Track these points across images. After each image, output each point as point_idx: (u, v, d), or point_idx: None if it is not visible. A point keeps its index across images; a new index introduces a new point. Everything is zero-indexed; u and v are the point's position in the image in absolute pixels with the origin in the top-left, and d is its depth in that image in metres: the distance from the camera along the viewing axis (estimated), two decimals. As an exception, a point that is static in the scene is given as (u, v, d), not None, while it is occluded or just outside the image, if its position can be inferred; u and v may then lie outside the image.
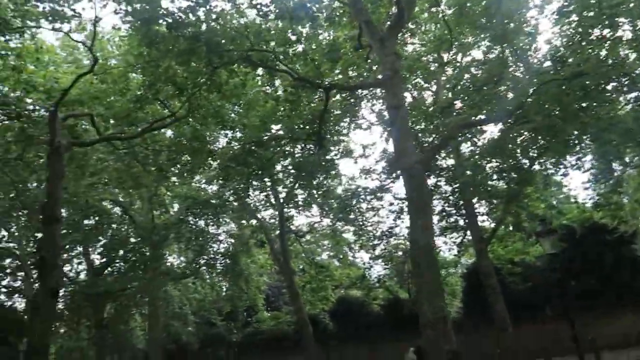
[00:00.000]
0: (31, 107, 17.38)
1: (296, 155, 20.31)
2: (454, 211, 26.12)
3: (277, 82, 15.47)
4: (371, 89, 20.19)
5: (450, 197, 25.90)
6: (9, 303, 37.62)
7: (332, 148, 21.34)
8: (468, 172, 23.84)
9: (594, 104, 14.49)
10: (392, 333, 27.54)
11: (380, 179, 24.52)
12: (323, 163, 20.94)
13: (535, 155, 17.76)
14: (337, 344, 29.48)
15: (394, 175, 23.98)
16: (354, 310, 30.19)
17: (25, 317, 35.63)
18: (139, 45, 14.44)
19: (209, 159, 18.67)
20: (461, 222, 26.34)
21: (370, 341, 27.95)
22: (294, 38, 13.17)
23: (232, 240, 31.33)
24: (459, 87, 19.59)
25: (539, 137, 13.82)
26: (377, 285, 30.46)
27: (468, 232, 26.16)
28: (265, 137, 17.42)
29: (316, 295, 31.66)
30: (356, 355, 28.08)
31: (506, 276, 25.76)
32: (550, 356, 21.52)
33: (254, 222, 29.00)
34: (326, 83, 13.20)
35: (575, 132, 16.51)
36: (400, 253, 28.39)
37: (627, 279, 23.47)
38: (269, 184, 25.82)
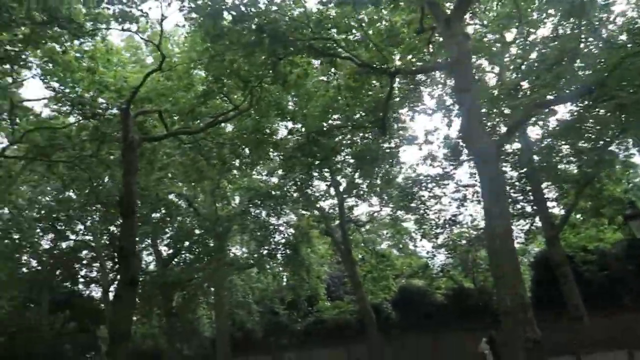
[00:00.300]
0: (104, 106, 18.22)
1: (357, 144, 20.13)
2: (521, 197, 25.17)
3: (337, 71, 15.34)
4: (431, 73, 19.65)
5: (517, 183, 24.97)
6: (87, 292, 40.11)
7: (394, 135, 20.99)
8: (535, 157, 22.91)
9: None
10: (456, 323, 27.03)
11: (442, 165, 23.99)
12: (386, 151, 20.67)
13: (615, 134, 16.63)
14: (400, 333, 29.27)
15: (457, 161, 23.39)
16: (417, 300, 29.82)
17: (102, 305, 37.87)
18: (203, 41, 14.78)
19: (272, 150, 18.90)
20: (528, 209, 25.38)
21: (433, 330, 27.56)
22: (354, 24, 12.98)
23: (292, 231, 31.72)
24: (525, 67, 18.70)
25: (622, 115, 12.86)
26: (441, 274, 29.92)
27: (536, 219, 25.17)
28: (328, 127, 17.37)
29: (377, 285, 31.52)
30: (419, 344, 27.74)
31: (580, 264, 24.52)
32: (630, 347, 20.40)
33: (314, 212, 29.15)
34: (391, 68, 12.93)
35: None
36: (464, 242, 27.69)
37: None
38: (328, 174, 25.90)
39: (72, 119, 20.03)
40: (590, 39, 16.93)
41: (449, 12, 12.31)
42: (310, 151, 17.36)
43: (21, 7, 12.72)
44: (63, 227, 31.21)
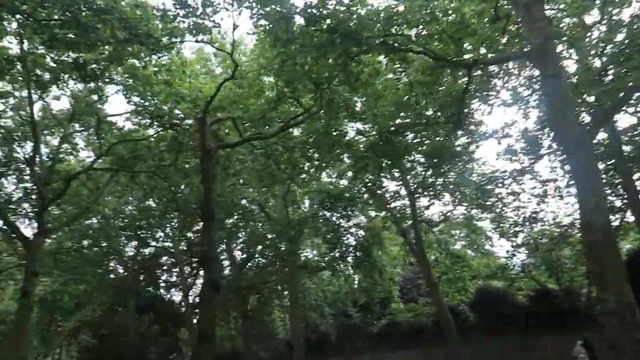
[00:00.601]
0: (180, 116, 18.95)
1: (429, 142, 19.55)
2: (609, 191, 23.44)
3: (408, 67, 14.99)
4: (504, 65, 18.76)
5: (604, 176, 23.29)
6: (168, 297, 41.99)
7: (469, 131, 20.26)
8: (625, 147, 21.29)
9: None
10: (540, 325, 25.64)
11: (520, 160, 22.79)
12: (457, 149, 20.00)
13: None
14: (479, 336, 28.17)
15: (536, 155, 22.16)
16: (496, 302, 28.56)
17: (182, 309, 39.49)
18: (273, 47, 14.99)
19: (344, 151, 18.84)
20: (618, 203, 23.62)
21: (515, 333, 26.29)
22: (426, 18, 12.59)
23: (363, 233, 31.48)
24: (610, 50, 17.35)
25: None
26: (522, 275, 28.47)
27: (627, 214, 23.38)
28: (401, 125, 17.02)
29: (453, 286, 30.56)
30: (500, 347, 26.56)
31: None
32: None
33: (385, 213, 28.77)
34: (468, 60, 12.42)
35: None
36: (546, 240, 26.18)
37: None
38: (398, 174, 25.47)
39: (151, 131, 21.04)
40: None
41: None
42: (383, 150, 17.08)
43: (106, 27, 13.47)
44: (145, 235, 32.84)
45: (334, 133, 19.22)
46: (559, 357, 23.19)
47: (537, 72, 20.05)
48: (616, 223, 24.69)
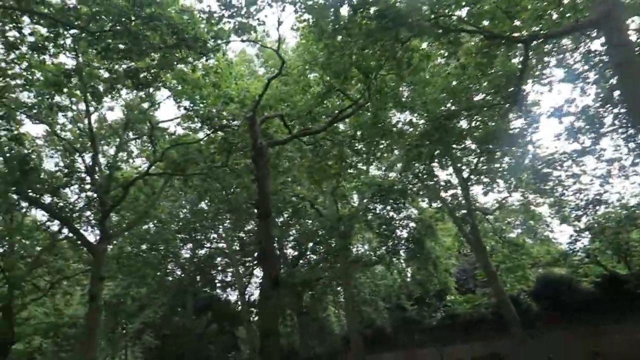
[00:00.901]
0: (230, 117, 19.16)
1: (484, 126, 18.78)
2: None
3: (460, 49, 14.47)
4: (565, 38, 17.72)
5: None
6: (224, 296, 42.91)
7: (525, 112, 19.44)
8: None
9: None
10: (608, 312, 24.38)
11: (580, 141, 21.66)
12: (514, 130, 19.23)
13: None
14: (543, 325, 27.12)
15: (598, 134, 21.00)
16: (560, 290, 27.43)
17: (238, 308, 40.22)
18: (318, 40, 14.86)
19: (395, 142, 18.49)
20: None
21: (581, 321, 25.13)
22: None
23: (414, 225, 30.94)
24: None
25: None
26: (587, 260, 27.14)
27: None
28: (455, 110, 16.49)
29: (513, 275, 29.56)
30: (564, 336, 25.45)
31: None
32: None
33: (438, 203, 28.11)
34: (526, 36, 11.82)
35: None
36: (611, 223, 24.80)
37: None
38: (449, 163, 24.84)
39: (201, 134, 21.41)
40: None
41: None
42: (439, 137, 16.61)
43: (155, 34, 13.73)
44: (200, 237, 33.61)
45: (382, 124, 18.91)
46: (628, 344, 22.00)
47: (594, 47, 19.10)
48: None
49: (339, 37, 12.60)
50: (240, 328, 43.53)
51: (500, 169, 24.17)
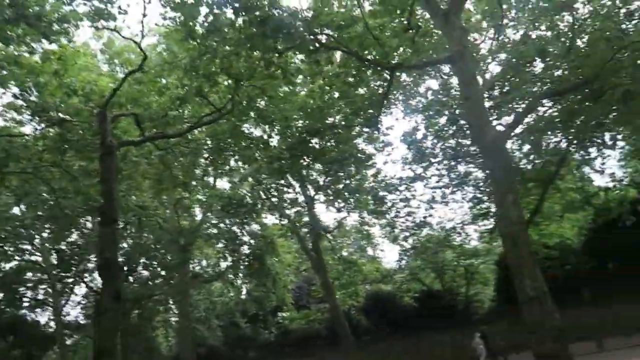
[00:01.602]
0: (71, 111, 17.00)
1: (334, 147, 19.64)
2: (486, 198, 25.88)
3: (329, 67, 15.05)
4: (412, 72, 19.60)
5: (481, 184, 25.67)
6: (33, 316, 37.11)
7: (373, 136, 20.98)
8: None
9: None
10: (428, 325, 27.29)
11: (412, 168, 24.22)
12: (361, 155, 20.63)
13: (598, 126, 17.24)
14: (371, 339, 29.23)
15: (427, 162, 23.70)
16: (386, 305, 29.94)
17: (50, 330, 35.22)
18: (182, 41, 14.07)
19: (258, 154, 18.31)
20: (494, 209, 26.17)
21: (405, 334, 27.70)
22: (349, 21, 12.76)
23: (254, 241, 30.93)
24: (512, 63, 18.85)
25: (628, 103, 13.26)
26: (409, 277, 30.22)
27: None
28: (313, 128, 16.94)
29: (345, 291, 31.39)
30: (392, 349, 27.80)
31: (543, 261, 25.55)
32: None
33: (282, 220, 28.59)
34: (392, 63, 12.86)
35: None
36: (432, 244, 28.13)
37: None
38: (297, 180, 25.56)
39: (29, 128, 18.60)
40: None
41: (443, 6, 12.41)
42: (300, 153, 16.91)
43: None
44: (8, 247, 28.75)
45: (241, 135, 18.65)
46: (446, 353, 24.91)
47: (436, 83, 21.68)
48: (490, 227, 27.53)
49: (213, 40, 12.11)
50: (49, 353, 38.13)
51: (345, 189, 25.58)
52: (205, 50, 12.63)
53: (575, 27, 14.65)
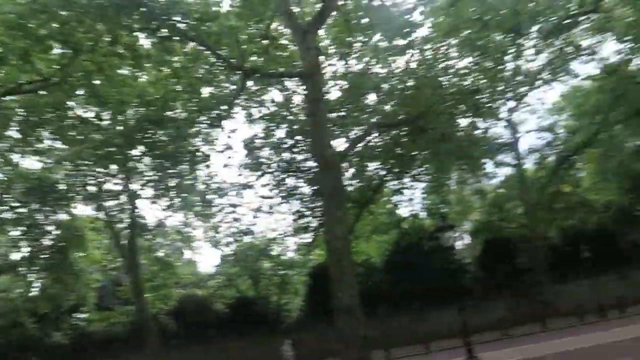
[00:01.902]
0: None
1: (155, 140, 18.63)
2: (309, 213, 27.45)
3: (183, 58, 14.41)
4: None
5: (307, 199, 27.20)
6: None
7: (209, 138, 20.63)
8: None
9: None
10: (240, 331, 27.54)
11: (244, 175, 24.51)
12: (197, 154, 20.12)
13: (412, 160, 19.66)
14: (179, 343, 28.31)
15: (260, 171, 24.23)
16: (199, 310, 29.33)
17: None
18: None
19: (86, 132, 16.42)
20: (314, 224, 27.86)
21: (215, 340, 27.52)
22: (211, 14, 12.46)
23: (60, 232, 27.66)
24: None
25: (443, 144, 15.43)
26: (226, 284, 30.17)
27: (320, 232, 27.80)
28: (164, 117, 15.88)
29: (157, 294, 29.94)
30: (201, 354, 27.32)
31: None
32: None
33: (96, 212, 26.16)
34: (248, 66, 12.87)
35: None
36: (252, 252, 28.65)
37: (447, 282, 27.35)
38: (123, 172, 23.69)
39: None
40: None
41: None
42: (136, 142, 15.67)
43: None
44: None
45: (65, 111, 16.66)
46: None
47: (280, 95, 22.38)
48: (309, 240, 29.27)
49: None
50: None
51: (173, 188, 24.57)
52: (41, 9, 11.06)
53: (407, 70, 16.80)
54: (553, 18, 20.92)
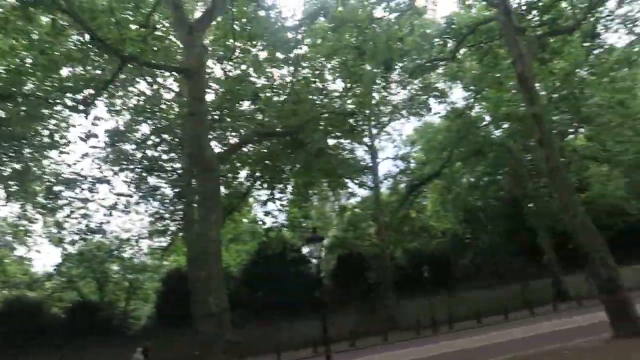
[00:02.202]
0: None
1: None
2: (168, 216, 26.24)
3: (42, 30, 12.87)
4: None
5: (167, 201, 26.01)
6: None
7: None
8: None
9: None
10: (79, 338, 24.94)
11: (103, 168, 22.57)
12: (52, 137, 18.06)
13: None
14: (15, 350, 24.67)
15: (120, 166, 22.55)
16: (30, 313, 26.00)
17: None
18: None
19: None
20: (173, 228, 26.70)
21: (51, 347, 24.55)
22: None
23: None
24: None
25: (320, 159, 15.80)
26: (65, 286, 27.25)
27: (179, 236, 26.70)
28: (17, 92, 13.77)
29: (-24, 294, 25.98)
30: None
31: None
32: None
33: None
34: (126, 53, 11.84)
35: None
36: (101, 253, 26.38)
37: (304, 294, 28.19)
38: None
39: None
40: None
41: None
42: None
43: None
44: None
45: None
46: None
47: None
48: (165, 244, 27.87)
49: None
50: None
51: (13, 173, 21.64)
52: None
53: (286, 83, 17.29)
54: (417, 59, 23.23)
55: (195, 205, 18.03)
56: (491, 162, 34.58)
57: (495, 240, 34.00)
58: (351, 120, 18.39)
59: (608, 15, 22.61)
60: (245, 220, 28.28)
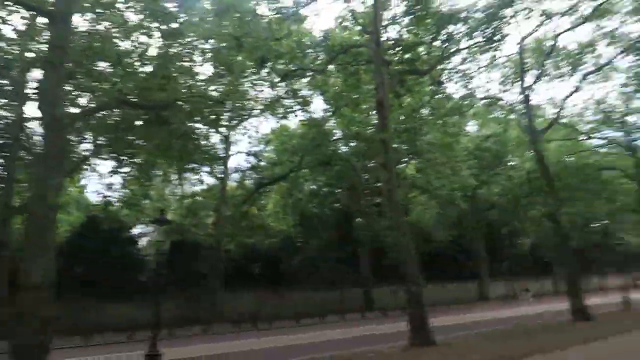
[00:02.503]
0: None
1: None
2: None
3: None
4: None
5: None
6: None
7: None
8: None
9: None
10: None
11: None
12: None
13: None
14: None
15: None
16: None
17: None
18: None
19: None
20: None
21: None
22: None
23: None
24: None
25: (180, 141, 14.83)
26: None
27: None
28: None
29: None
30: None
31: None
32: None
33: None
34: None
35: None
36: None
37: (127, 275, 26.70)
38: None
39: None
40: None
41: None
42: None
43: None
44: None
45: None
46: None
47: None
48: None
49: None
50: None
51: None
52: None
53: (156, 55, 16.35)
54: (290, 64, 23.90)
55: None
56: (334, 175, 36.86)
57: (323, 247, 36.15)
58: (217, 108, 18.08)
59: (452, 69, 26.14)
60: (71, 189, 25.71)
